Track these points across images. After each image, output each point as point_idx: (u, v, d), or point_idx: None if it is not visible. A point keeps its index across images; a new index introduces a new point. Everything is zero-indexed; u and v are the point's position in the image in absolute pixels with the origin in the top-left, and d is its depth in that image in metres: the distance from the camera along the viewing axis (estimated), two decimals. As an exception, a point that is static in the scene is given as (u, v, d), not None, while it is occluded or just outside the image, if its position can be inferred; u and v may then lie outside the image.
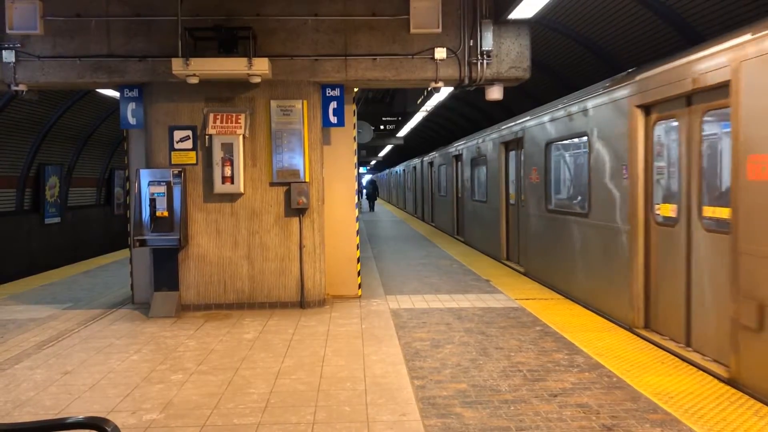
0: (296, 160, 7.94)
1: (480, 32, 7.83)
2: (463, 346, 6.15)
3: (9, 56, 7.61)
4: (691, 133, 5.78)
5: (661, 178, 6.52)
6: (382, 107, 27.85)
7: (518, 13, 7.43)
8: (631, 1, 10.72)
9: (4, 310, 8.29)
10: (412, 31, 7.76)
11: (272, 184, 8.00)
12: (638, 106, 6.57)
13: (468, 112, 25.04)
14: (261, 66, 7.28)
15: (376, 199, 33.11)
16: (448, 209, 18.72)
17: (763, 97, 4.61)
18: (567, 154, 9.28)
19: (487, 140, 13.55)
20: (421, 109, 18.32)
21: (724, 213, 5.31)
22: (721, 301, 5.30)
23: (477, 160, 14.72)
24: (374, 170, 69.38)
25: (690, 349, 5.80)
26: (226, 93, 7.89)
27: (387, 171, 49.66)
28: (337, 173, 8.64)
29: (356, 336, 6.63)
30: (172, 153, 7.89)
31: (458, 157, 17.28)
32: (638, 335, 6.49)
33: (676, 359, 5.62)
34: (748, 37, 4.84)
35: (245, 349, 6.23)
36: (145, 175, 7.73)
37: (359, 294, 8.72)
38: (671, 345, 5.99)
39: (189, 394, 4.96)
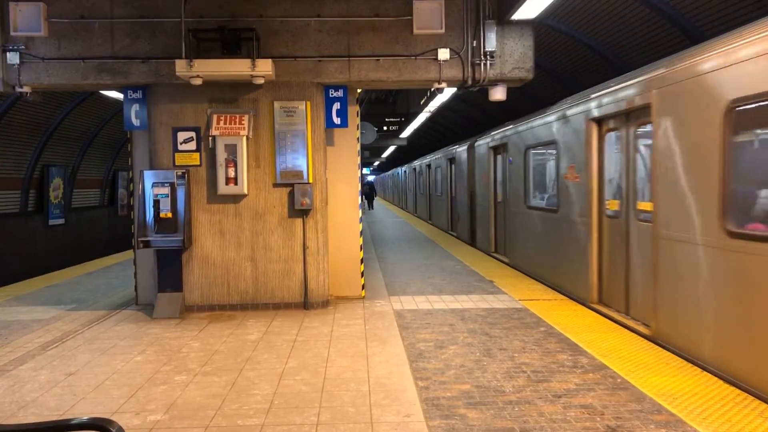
0: (299, 161, 7.95)
1: (483, 33, 7.83)
2: (467, 347, 6.14)
3: (13, 58, 7.64)
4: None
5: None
6: (385, 108, 27.88)
7: (521, 14, 7.42)
8: (635, 1, 10.71)
9: (9, 311, 8.31)
10: (415, 31, 7.75)
11: (276, 185, 8.00)
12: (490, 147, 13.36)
13: (471, 113, 25.07)
14: (264, 67, 7.29)
15: (374, 199, 37.82)
16: (485, 219, 14.44)
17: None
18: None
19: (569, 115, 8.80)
20: (425, 110, 18.33)
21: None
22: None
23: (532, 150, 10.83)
24: (377, 171, 69.36)
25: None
26: (229, 94, 7.90)
27: (390, 172, 49.43)
28: (340, 174, 8.64)
29: (360, 337, 6.63)
30: (176, 154, 7.90)
31: (499, 149, 13.19)
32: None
33: (681, 360, 5.61)
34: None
35: (249, 350, 6.23)
36: (149, 177, 7.74)
37: (363, 295, 8.72)
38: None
39: (193, 395, 4.96)
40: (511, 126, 11.80)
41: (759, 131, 5.04)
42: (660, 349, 5.97)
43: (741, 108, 4.98)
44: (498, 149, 12.95)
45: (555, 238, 9.38)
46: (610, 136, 7.78)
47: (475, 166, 14.92)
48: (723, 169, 5.20)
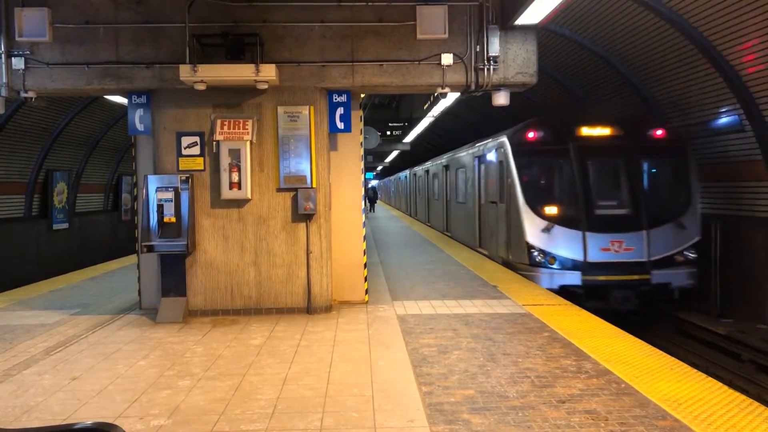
0: (303, 165, 7.96)
1: (486, 38, 7.83)
2: (471, 352, 6.13)
3: (18, 63, 7.67)
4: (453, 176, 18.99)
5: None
6: (388, 113, 27.90)
7: (525, 19, 7.43)
8: (638, 6, 10.70)
9: (13, 315, 8.33)
10: (419, 36, 7.76)
11: (279, 190, 8.01)
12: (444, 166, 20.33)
13: (474, 118, 25.07)
14: (268, 72, 7.30)
15: (375, 202, 41.09)
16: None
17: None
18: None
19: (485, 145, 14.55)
20: (428, 115, 18.33)
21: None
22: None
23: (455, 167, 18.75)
24: (381, 176, 69.43)
25: (481, 248, 14.96)
26: (233, 99, 7.92)
27: (393, 176, 49.72)
28: (343, 179, 8.64)
29: (363, 342, 6.62)
30: (180, 159, 7.92)
31: (448, 167, 19.94)
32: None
33: (685, 365, 5.60)
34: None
35: (252, 354, 6.23)
36: (153, 181, 7.76)
37: (366, 300, 8.71)
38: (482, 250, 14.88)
39: (196, 399, 4.96)
40: (450, 153, 19.77)
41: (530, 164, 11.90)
42: (664, 354, 5.96)
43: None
44: (448, 167, 19.69)
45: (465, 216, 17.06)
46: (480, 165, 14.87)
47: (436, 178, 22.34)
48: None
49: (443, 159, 20.25)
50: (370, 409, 4.66)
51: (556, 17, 12.23)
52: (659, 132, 11.54)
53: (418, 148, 37.07)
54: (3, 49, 7.66)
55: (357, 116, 8.50)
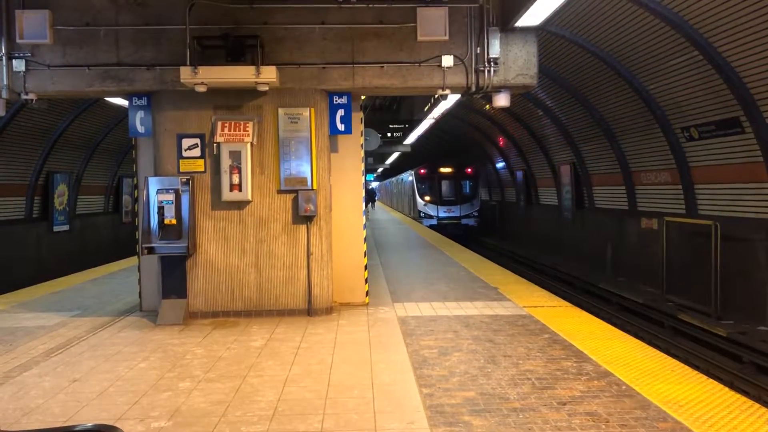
0: (304, 167, 7.96)
1: (487, 39, 7.83)
2: (471, 354, 6.13)
3: (19, 65, 7.67)
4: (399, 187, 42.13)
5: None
6: (389, 114, 28.03)
7: (525, 21, 7.43)
8: (639, 7, 10.71)
9: (13, 317, 8.33)
10: (419, 38, 7.75)
11: (280, 192, 8.01)
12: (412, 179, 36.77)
13: (475, 119, 25.12)
14: (269, 74, 7.31)
15: (371, 202, 50.21)
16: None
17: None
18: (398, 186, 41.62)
19: (401, 176, 39.79)
20: (428, 117, 18.33)
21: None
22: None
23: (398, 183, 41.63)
24: (381, 178, 69.42)
25: (408, 216, 34.21)
26: (234, 101, 7.92)
27: (395, 178, 52.17)
28: (344, 180, 8.64)
29: (364, 344, 6.62)
30: (181, 161, 7.92)
31: (397, 179, 43.13)
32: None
33: (686, 367, 5.60)
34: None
35: (253, 356, 6.23)
36: (154, 183, 7.76)
37: (366, 301, 8.71)
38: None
39: (197, 401, 4.96)
40: (404, 173, 39.27)
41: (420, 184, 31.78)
42: (664, 356, 5.96)
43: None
44: (402, 179, 39.48)
45: (401, 200, 39.57)
46: (409, 181, 34.01)
47: (399, 185, 40.37)
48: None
49: (401, 175, 39.31)
50: (371, 411, 4.66)
51: (555, 18, 12.24)
52: (468, 169, 29.98)
53: (420, 150, 37.16)
54: (3, 51, 7.67)
55: (357, 118, 8.50)
